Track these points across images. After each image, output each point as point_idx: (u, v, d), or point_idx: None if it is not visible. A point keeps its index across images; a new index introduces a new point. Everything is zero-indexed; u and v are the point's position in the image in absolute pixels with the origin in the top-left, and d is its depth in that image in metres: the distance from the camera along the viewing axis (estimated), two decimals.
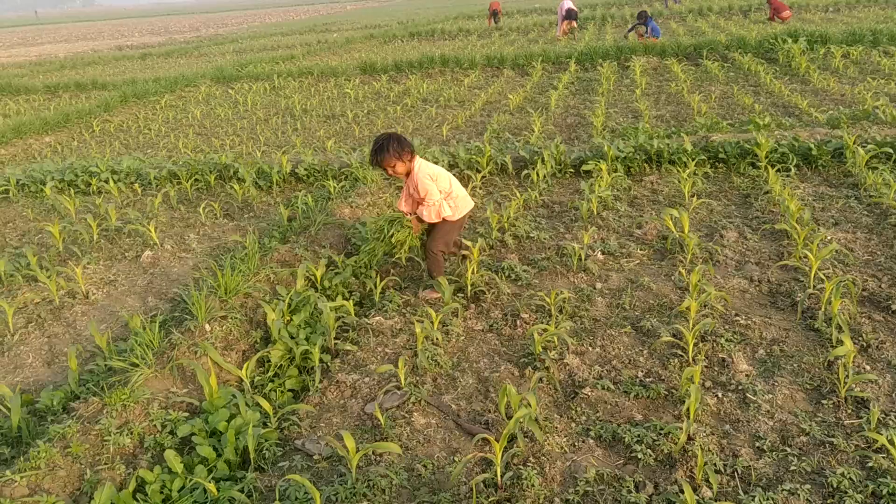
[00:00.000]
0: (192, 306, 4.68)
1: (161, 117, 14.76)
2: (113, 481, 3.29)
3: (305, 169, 8.57)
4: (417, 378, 4.17)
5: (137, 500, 3.23)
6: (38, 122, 14.19)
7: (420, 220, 5.11)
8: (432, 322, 4.51)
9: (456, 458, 3.46)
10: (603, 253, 5.73)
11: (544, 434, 3.57)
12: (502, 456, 3.28)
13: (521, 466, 3.34)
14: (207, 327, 4.58)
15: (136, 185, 8.62)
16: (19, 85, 20.76)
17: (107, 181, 8.60)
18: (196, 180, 8.65)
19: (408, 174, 5.02)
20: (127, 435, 3.59)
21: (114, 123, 14.43)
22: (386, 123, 12.08)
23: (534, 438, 3.51)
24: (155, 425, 3.70)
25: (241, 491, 3.29)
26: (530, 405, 3.51)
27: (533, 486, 3.20)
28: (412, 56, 19.17)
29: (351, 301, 4.99)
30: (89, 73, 24.56)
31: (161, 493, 3.28)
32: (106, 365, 4.38)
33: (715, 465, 3.26)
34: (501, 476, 3.25)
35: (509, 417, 3.63)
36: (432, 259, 5.20)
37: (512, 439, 3.51)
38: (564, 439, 3.56)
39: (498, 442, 3.22)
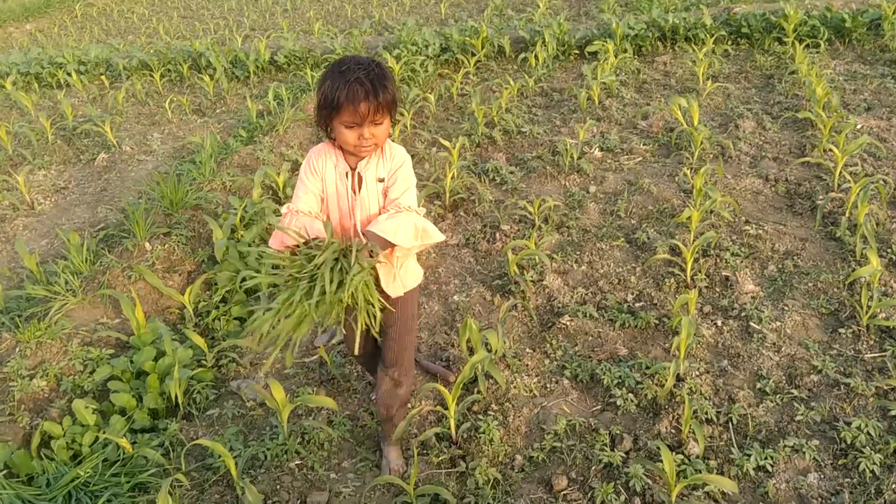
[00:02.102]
0: (133, 223, 4.18)
1: None
2: (14, 437, 2.89)
3: (285, 56, 7.84)
4: None
5: (42, 458, 2.84)
6: (19, 9, 13.41)
7: (377, 246, 2.15)
8: None
9: (410, 405, 3.00)
10: (601, 149, 5.09)
11: (513, 374, 3.10)
12: (458, 404, 2.82)
13: (480, 416, 2.89)
14: (148, 246, 4.09)
15: (104, 77, 7.97)
16: None
17: (71, 73, 7.95)
18: (168, 70, 7.97)
19: (375, 147, 2.27)
20: (42, 377, 3.18)
21: (97, 7, 13.58)
22: (381, 1, 11.13)
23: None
24: (74, 365, 3.27)
25: (161, 445, 2.89)
26: (490, 346, 3.01)
27: (491, 441, 2.75)
28: None
29: None
30: None
31: (70, 448, 2.88)
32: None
33: (706, 413, 2.77)
34: (456, 429, 2.80)
35: (473, 354, 3.13)
36: (405, 370, 2.59)
37: (475, 380, 3.05)
38: (535, 380, 3.08)
39: (451, 392, 2.74)
